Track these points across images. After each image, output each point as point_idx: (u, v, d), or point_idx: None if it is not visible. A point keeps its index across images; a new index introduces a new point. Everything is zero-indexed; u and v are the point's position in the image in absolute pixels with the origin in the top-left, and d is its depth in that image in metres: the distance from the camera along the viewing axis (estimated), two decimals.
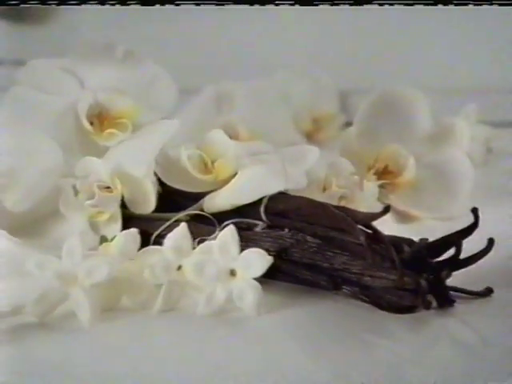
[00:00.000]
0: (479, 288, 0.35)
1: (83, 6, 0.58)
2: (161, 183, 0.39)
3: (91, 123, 0.42)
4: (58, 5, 0.59)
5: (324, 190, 0.38)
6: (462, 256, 0.35)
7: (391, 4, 0.51)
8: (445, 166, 0.43)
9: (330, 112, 0.53)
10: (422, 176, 0.42)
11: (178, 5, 0.48)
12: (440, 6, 0.51)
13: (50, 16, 0.66)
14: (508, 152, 0.48)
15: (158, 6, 0.55)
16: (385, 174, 0.42)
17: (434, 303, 0.34)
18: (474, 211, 0.35)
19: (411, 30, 0.64)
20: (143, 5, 0.49)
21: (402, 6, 0.50)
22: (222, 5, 0.51)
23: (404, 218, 0.40)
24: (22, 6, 0.58)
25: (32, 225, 0.39)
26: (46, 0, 0.58)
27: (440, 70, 0.61)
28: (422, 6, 0.51)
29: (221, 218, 0.37)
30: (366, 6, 0.52)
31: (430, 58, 0.63)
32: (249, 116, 0.48)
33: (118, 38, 0.46)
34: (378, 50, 0.64)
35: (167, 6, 0.55)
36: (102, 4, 0.55)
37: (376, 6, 0.54)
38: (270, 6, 0.57)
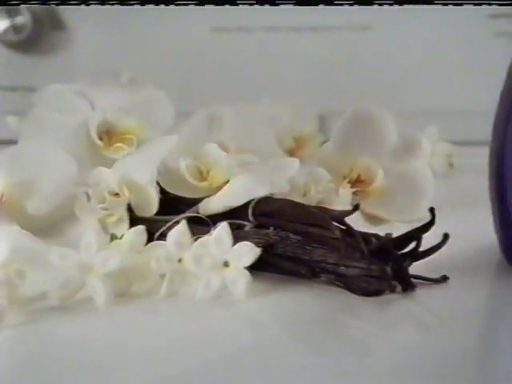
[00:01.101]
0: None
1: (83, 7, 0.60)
2: (162, 190, 0.44)
3: (101, 139, 0.47)
4: (57, 5, 0.62)
5: (304, 195, 0.44)
6: (423, 249, 0.41)
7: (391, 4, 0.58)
8: (409, 176, 0.48)
9: (309, 132, 0.58)
10: (390, 185, 0.47)
11: (177, 5, 0.52)
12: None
13: (61, 45, 0.72)
14: (467, 167, 0.54)
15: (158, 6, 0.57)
16: (357, 182, 0.47)
17: (398, 288, 0.39)
18: (432, 210, 0.40)
19: (382, 55, 0.70)
20: (143, 5, 0.53)
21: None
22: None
23: (374, 220, 0.46)
24: (21, 5, 0.59)
25: (51, 226, 0.44)
26: (46, 0, 0.61)
27: (410, 92, 0.68)
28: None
29: (215, 219, 0.42)
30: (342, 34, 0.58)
31: (401, 81, 0.69)
32: (237, 135, 0.54)
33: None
34: (353, 75, 0.70)
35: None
36: (102, 4, 0.59)
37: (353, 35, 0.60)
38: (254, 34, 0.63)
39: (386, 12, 0.72)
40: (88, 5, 0.59)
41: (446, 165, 0.60)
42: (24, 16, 0.75)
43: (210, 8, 0.67)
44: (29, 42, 0.76)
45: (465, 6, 0.64)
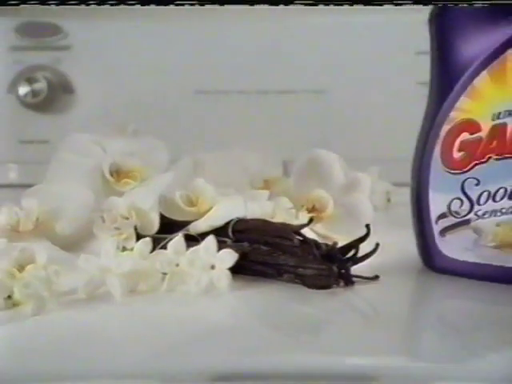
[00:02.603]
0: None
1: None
2: (161, 215, 0.55)
3: (112, 176, 0.58)
4: (57, 5, 0.57)
5: (272, 218, 0.56)
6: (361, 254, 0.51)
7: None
8: (353, 206, 0.59)
9: (276, 175, 0.67)
10: (338, 212, 0.59)
11: (177, 5, 0.56)
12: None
13: (70, 106, 0.82)
14: (401, 203, 0.64)
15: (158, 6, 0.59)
16: (313, 210, 0.59)
17: (342, 284, 0.50)
18: (367, 226, 0.52)
19: (335, 113, 0.81)
20: (143, 5, 0.56)
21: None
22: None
23: (327, 240, 0.58)
24: (21, 5, 0.60)
25: (75, 243, 0.55)
26: (46, 0, 0.56)
27: (357, 141, 0.79)
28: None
29: (203, 237, 0.52)
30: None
31: (350, 131, 0.80)
32: (216, 177, 0.66)
33: None
34: (311, 129, 0.80)
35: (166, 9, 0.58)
36: (102, 4, 0.60)
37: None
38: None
39: (339, 77, 0.84)
40: (88, 5, 0.54)
41: (384, 200, 0.70)
42: (41, 83, 0.84)
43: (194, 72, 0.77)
44: (44, 104, 0.85)
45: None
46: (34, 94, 0.85)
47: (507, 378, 0.40)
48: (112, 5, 0.57)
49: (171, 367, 0.41)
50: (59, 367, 0.41)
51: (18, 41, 0.85)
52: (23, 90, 0.85)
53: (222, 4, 0.56)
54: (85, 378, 0.41)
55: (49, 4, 0.57)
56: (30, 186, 0.59)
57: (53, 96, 0.85)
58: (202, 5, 0.57)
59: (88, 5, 0.58)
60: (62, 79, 0.86)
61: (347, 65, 0.84)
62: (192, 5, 0.58)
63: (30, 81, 0.85)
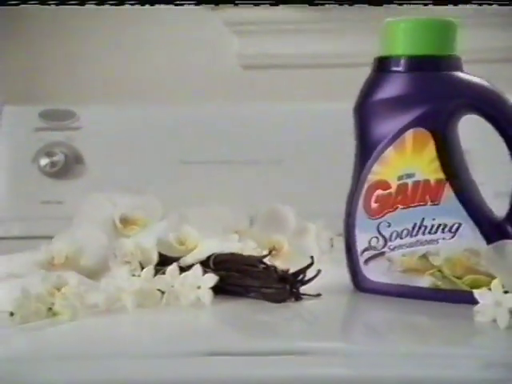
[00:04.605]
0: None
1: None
2: (159, 252, 0.70)
3: (121, 223, 0.74)
4: (57, 5, 0.58)
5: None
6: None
7: None
8: (303, 246, 0.75)
9: (244, 227, 0.77)
10: (292, 251, 0.74)
11: (177, 5, 0.54)
12: None
13: (81, 174, 0.94)
14: (342, 248, 0.72)
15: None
16: (273, 249, 0.72)
17: (293, 299, 0.65)
18: (311, 257, 0.69)
19: (291, 180, 0.94)
20: (142, 5, 0.54)
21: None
22: None
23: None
24: (21, 6, 0.56)
25: (94, 272, 0.68)
26: (46, 0, 0.56)
27: (308, 199, 0.88)
28: None
29: (190, 268, 0.71)
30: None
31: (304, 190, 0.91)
32: (197, 227, 0.80)
33: None
34: (270, 190, 0.91)
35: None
36: (102, 4, 0.59)
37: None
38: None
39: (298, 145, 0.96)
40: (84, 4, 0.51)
41: (329, 245, 0.79)
42: (58, 156, 0.96)
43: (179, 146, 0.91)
44: (60, 172, 0.96)
45: None
46: (53, 164, 0.97)
47: (416, 366, 0.54)
48: (112, 5, 0.58)
49: (167, 351, 0.57)
50: (86, 354, 0.57)
51: (41, 123, 0.98)
52: (44, 161, 0.97)
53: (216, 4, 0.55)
54: (105, 358, 0.56)
55: (49, 4, 0.57)
56: (48, 237, 0.73)
57: (67, 166, 0.97)
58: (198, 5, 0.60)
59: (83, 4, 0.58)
60: (75, 153, 0.98)
61: (301, 140, 0.98)
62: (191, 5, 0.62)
63: (49, 154, 0.97)
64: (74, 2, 0.59)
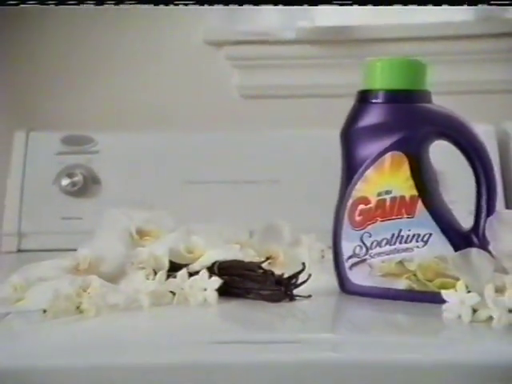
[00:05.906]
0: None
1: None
2: (170, 260, 0.79)
3: (137, 235, 0.82)
4: (56, 5, 0.58)
5: None
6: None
7: None
8: (297, 256, 0.84)
9: (244, 239, 0.84)
10: (287, 260, 0.83)
11: (176, 5, 0.57)
12: None
13: (98, 193, 1.01)
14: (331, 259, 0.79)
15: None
16: (270, 258, 0.82)
17: (287, 299, 0.74)
18: (303, 263, 0.79)
19: (287, 201, 1.02)
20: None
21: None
22: None
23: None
24: (21, 5, 0.55)
25: (113, 278, 0.75)
26: (46, 0, 0.56)
27: (303, 215, 0.95)
28: None
29: (197, 273, 0.80)
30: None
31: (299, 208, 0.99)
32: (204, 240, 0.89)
33: None
34: (269, 209, 0.99)
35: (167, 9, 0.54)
36: (101, 4, 0.60)
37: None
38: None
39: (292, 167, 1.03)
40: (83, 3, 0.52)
41: (319, 256, 0.89)
42: (78, 177, 1.04)
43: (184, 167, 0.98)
44: (79, 192, 1.04)
45: None
46: (73, 184, 1.04)
47: (392, 352, 0.63)
48: (111, 5, 0.58)
49: (178, 340, 0.66)
50: (109, 344, 0.66)
51: (63, 148, 1.06)
52: (65, 181, 1.05)
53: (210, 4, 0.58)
54: (124, 347, 0.65)
55: (48, 4, 0.57)
56: (69, 250, 0.81)
57: (86, 186, 1.05)
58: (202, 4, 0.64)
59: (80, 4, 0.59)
60: (93, 174, 1.05)
61: (296, 162, 1.07)
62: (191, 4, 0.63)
63: (70, 175, 1.04)
64: (74, 2, 0.60)
